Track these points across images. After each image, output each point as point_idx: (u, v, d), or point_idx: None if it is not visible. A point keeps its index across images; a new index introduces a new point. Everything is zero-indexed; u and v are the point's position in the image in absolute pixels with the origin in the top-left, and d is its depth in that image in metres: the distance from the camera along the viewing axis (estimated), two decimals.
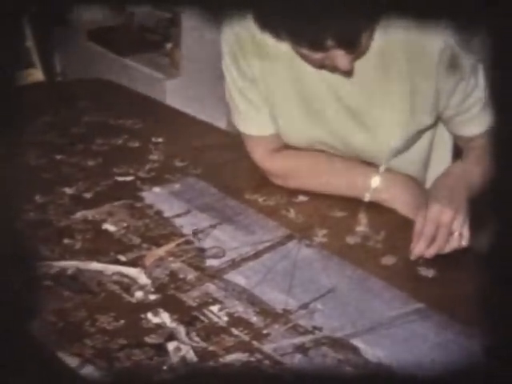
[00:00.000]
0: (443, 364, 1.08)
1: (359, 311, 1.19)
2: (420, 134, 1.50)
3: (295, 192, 1.53)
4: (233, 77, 1.52)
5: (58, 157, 1.68)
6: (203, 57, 2.91)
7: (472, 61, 1.37)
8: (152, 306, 1.20)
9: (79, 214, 1.45)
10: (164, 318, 1.17)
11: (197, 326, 1.15)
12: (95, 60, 3.31)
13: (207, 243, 1.36)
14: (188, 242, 1.37)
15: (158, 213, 1.46)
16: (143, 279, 1.26)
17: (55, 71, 3.36)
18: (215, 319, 1.17)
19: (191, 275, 1.28)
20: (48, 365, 1.09)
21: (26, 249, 1.25)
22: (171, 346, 1.11)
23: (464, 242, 1.31)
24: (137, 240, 1.37)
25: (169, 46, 3.18)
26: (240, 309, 1.20)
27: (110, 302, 1.21)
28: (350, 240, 1.39)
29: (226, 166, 1.65)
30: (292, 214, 1.47)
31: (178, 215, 1.45)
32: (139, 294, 1.23)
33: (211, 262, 1.31)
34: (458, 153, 1.56)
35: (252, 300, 1.21)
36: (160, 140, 1.76)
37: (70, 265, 1.30)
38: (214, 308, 1.19)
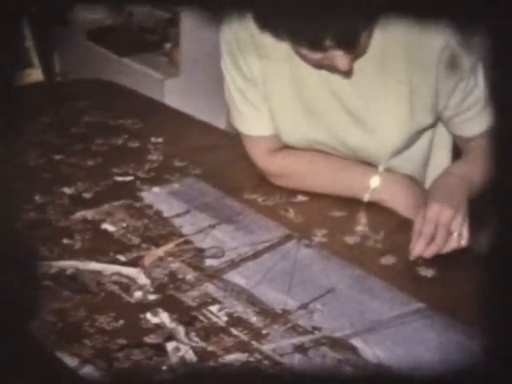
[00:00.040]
0: (443, 364, 1.08)
1: (359, 311, 1.19)
2: (419, 133, 1.50)
3: (294, 192, 1.53)
4: (232, 77, 1.51)
5: (58, 157, 1.68)
6: (202, 57, 2.91)
7: (472, 60, 1.37)
8: (151, 306, 1.20)
9: (78, 214, 1.45)
10: (163, 318, 1.17)
11: (196, 326, 1.15)
12: (94, 60, 3.31)
13: (206, 243, 1.36)
14: (187, 242, 1.37)
15: (158, 213, 1.46)
16: (142, 279, 1.26)
17: (55, 71, 3.36)
18: (214, 319, 1.17)
19: (190, 275, 1.28)
20: (47, 365, 1.09)
21: (25, 249, 1.26)
22: (170, 346, 1.11)
23: (463, 242, 1.31)
24: (136, 240, 1.37)
25: (168, 45, 3.17)
26: (239, 309, 1.19)
27: (110, 302, 1.21)
28: (350, 240, 1.39)
29: (225, 166, 1.65)
30: (291, 213, 1.47)
31: (178, 215, 1.45)
32: (138, 294, 1.23)
33: (210, 262, 1.31)
34: (457, 153, 1.56)
35: (251, 300, 1.21)
36: (159, 140, 1.76)
37: (70, 265, 1.30)
38: (214, 308, 1.19)
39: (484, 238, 1.30)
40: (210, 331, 1.14)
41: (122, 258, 1.32)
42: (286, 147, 1.57)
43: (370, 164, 1.51)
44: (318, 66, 1.36)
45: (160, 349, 1.10)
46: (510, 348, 0.85)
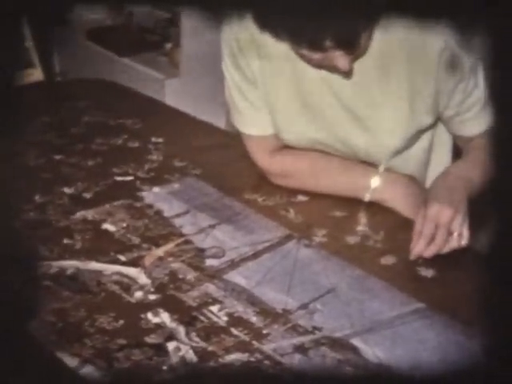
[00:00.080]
0: (443, 364, 1.08)
1: (359, 311, 1.19)
2: (420, 134, 1.50)
3: (294, 192, 1.53)
4: (232, 77, 1.52)
5: (58, 157, 1.68)
6: (203, 57, 2.91)
7: (472, 61, 1.37)
8: (152, 306, 1.20)
9: (79, 214, 1.45)
10: (164, 318, 1.17)
11: (196, 326, 1.15)
12: (94, 60, 3.31)
13: (207, 243, 1.36)
14: (187, 242, 1.37)
15: (158, 213, 1.46)
16: (143, 279, 1.26)
17: (55, 71, 3.36)
18: (215, 319, 1.17)
19: (191, 275, 1.28)
20: (47, 365, 1.09)
21: (25, 249, 1.26)
22: (171, 346, 1.11)
23: (463, 242, 1.31)
24: (136, 240, 1.37)
25: (168, 45, 3.17)
26: (240, 309, 1.19)
27: (110, 301, 1.21)
28: (350, 240, 1.39)
29: (226, 165, 1.65)
30: (291, 213, 1.47)
31: (178, 215, 1.45)
32: (139, 294, 1.23)
33: (211, 262, 1.31)
34: (457, 153, 1.56)
35: (252, 300, 1.21)
36: (159, 140, 1.76)
37: (70, 265, 1.30)
38: (214, 308, 1.19)
39: (484, 238, 1.30)
40: (210, 331, 1.14)
41: (122, 257, 1.32)
42: (286, 147, 1.57)
43: (370, 164, 1.51)
44: (318, 66, 1.36)
45: (160, 349, 1.10)
46: (510, 348, 0.85)
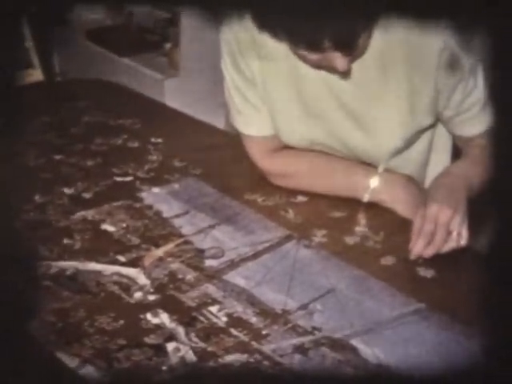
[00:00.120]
0: (442, 364, 1.08)
1: (358, 312, 1.19)
2: (419, 134, 1.50)
3: (294, 192, 1.53)
4: (232, 77, 1.51)
5: (57, 157, 1.68)
6: (202, 57, 2.91)
7: (471, 61, 1.37)
8: (151, 307, 1.20)
9: (78, 214, 1.45)
10: (163, 318, 1.17)
11: (196, 326, 1.15)
12: (94, 60, 3.31)
13: (206, 243, 1.36)
14: (187, 243, 1.37)
15: (157, 213, 1.46)
16: (142, 279, 1.26)
17: (54, 71, 3.36)
18: (214, 320, 1.17)
19: (190, 275, 1.28)
20: (47, 365, 1.09)
21: (25, 249, 1.26)
22: (170, 346, 1.11)
23: (463, 242, 1.31)
24: (136, 240, 1.37)
25: (168, 45, 3.17)
26: (239, 309, 1.19)
27: (110, 302, 1.21)
28: (349, 240, 1.39)
29: (225, 166, 1.65)
30: (291, 214, 1.47)
31: (177, 215, 1.45)
32: (138, 295, 1.23)
33: (210, 263, 1.31)
34: (457, 153, 1.56)
35: (251, 300, 1.21)
36: (159, 140, 1.76)
37: (69, 265, 1.30)
38: (214, 308, 1.19)
39: (484, 238, 1.30)
40: (209, 332, 1.14)
41: (121, 258, 1.32)
42: (285, 147, 1.57)
43: (369, 164, 1.51)
44: (317, 66, 1.36)
45: (160, 349, 1.10)
46: (510, 348, 0.85)
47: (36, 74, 2.41)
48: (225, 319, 1.17)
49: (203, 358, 1.09)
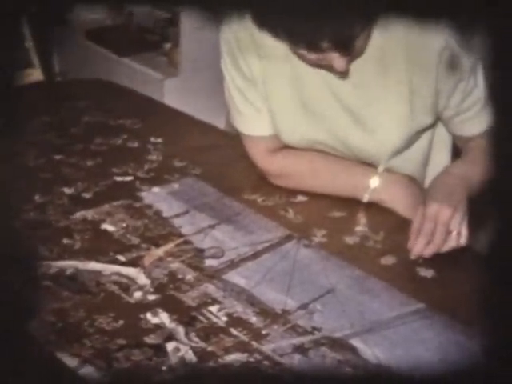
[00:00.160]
0: (443, 364, 1.08)
1: (358, 311, 1.19)
2: (419, 133, 1.50)
3: (294, 192, 1.53)
4: (232, 77, 1.51)
5: (57, 157, 1.68)
6: (202, 57, 2.91)
7: (472, 61, 1.37)
8: (151, 307, 1.20)
9: (78, 214, 1.45)
10: (163, 318, 1.17)
11: (196, 326, 1.15)
12: (94, 60, 3.31)
13: (206, 243, 1.36)
14: (187, 242, 1.37)
15: (157, 213, 1.46)
16: (142, 279, 1.26)
17: (54, 71, 3.36)
18: (214, 319, 1.17)
19: (190, 275, 1.28)
20: (47, 365, 1.09)
21: (25, 249, 1.25)
22: (170, 346, 1.11)
23: (462, 241, 1.31)
24: (136, 240, 1.37)
25: (167, 45, 3.18)
26: (239, 309, 1.19)
27: (109, 302, 1.21)
28: (349, 240, 1.39)
29: (225, 166, 1.65)
30: (291, 214, 1.47)
31: (177, 215, 1.45)
32: (138, 294, 1.23)
33: (210, 262, 1.31)
34: (457, 153, 1.56)
35: (251, 300, 1.21)
36: (159, 140, 1.76)
37: (69, 265, 1.30)
38: (213, 308, 1.19)
39: (484, 238, 1.30)
40: (209, 331, 1.14)
41: (121, 258, 1.32)
42: (285, 147, 1.57)
43: (369, 164, 1.51)
44: (316, 65, 1.36)
45: (160, 349, 1.10)
46: (510, 348, 0.85)
47: (36, 74, 2.41)
48: (225, 319, 1.17)
49: (203, 358, 1.09)
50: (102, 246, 1.35)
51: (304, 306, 1.20)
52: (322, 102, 1.47)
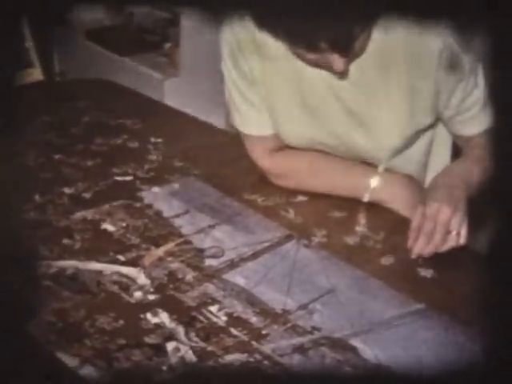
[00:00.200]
0: (442, 364, 1.08)
1: (358, 311, 1.19)
2: (419, 133, 1.50)
3: (294, 192, 1.53)
4: (232, 77, 1.51)
5: (57, 157, 1.68)
6: (202, 57, 2.91)
7: (471, 61, 1.37)
8: (151, 306, 1.20)
9: (78, 214, 1.45)
10: (163, 318, 1.17)
11: (196, 326, 1.15)
12: (94, 60, 3.31)
13: (206, 243, 1.36)
14: (187, 242, 1.37)
15: (157, 213, 1.46)
16: (142, 279, 1.26)
17: (54, 71, 3.36)
18: (214, 319, 1.17)
19: (190, 275, 1.28)
20: (47, 365, 1.09)
21: (25, 249, 1.25)
22: (170, 346, 1.11)
23: (462, 241, 1.31)
24: (136, 240, 1.37)
25: (168, 45, 3.18)
26: (239, 309, 1.19)
27: (110, 302, 1.21)
28: (349, 240, 1.39)
29: (225, 166, 1.65)
30: (291, 214, 1.47)
31: (177, 215, 1.45)
32: (138, 294, 1.23)
33: (210, 262, 1.31)
34: (457, 152, 1.56)
35: (251, 300, 1.21)
36: (159, 140, 1.76)
37: (69, 265, 1.30)
38: (213, 308, 1.19)
39: (484, 238, 1.30)
40: (209, 331, 1.14)
41: (121, 257, 1.32)
42: (286, 147, 1.57)
43: (370, 164, 1.51)
44: (315, 65, 1.36)
45: (160, 349, 1.10)
46: (510, 348, 0.85)
47: (36, 74, 2.41)
48: (224, 319, 1.17)
49: (203, 358, 1.09)
50: (102, 246, 1.35)
51: (304, 306, 1.20)
52: (323, 102, 1.47)
